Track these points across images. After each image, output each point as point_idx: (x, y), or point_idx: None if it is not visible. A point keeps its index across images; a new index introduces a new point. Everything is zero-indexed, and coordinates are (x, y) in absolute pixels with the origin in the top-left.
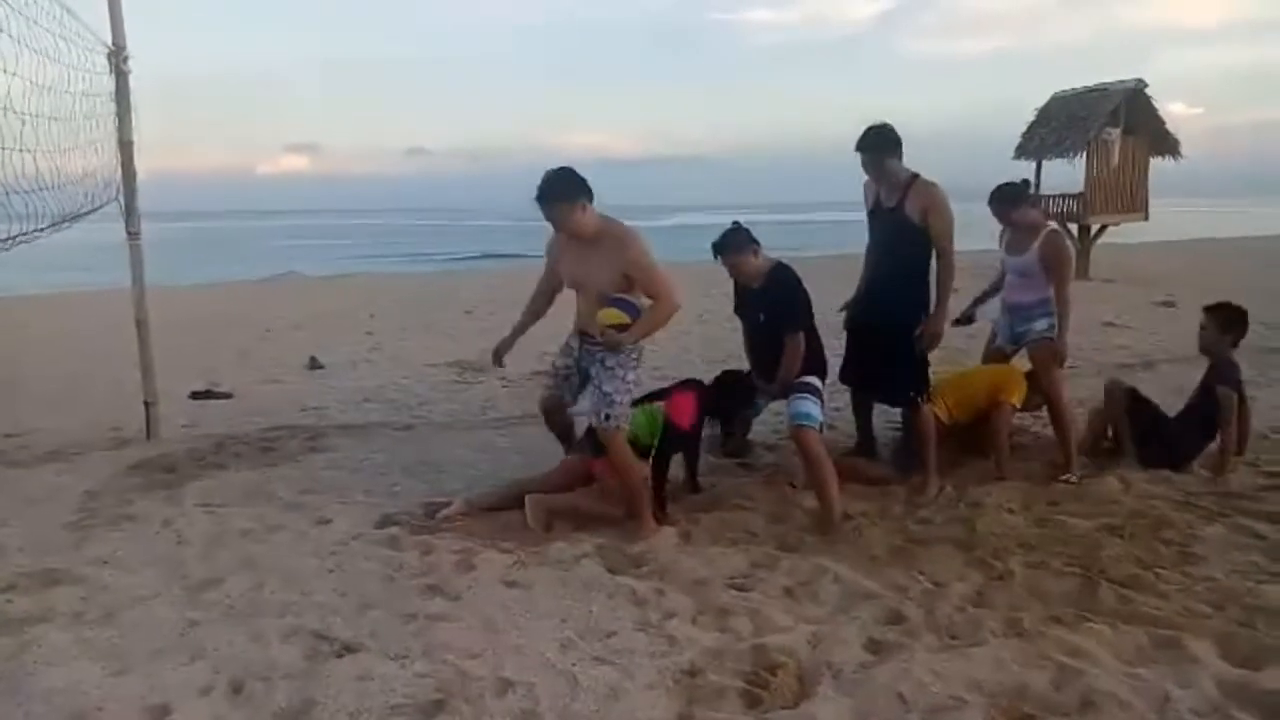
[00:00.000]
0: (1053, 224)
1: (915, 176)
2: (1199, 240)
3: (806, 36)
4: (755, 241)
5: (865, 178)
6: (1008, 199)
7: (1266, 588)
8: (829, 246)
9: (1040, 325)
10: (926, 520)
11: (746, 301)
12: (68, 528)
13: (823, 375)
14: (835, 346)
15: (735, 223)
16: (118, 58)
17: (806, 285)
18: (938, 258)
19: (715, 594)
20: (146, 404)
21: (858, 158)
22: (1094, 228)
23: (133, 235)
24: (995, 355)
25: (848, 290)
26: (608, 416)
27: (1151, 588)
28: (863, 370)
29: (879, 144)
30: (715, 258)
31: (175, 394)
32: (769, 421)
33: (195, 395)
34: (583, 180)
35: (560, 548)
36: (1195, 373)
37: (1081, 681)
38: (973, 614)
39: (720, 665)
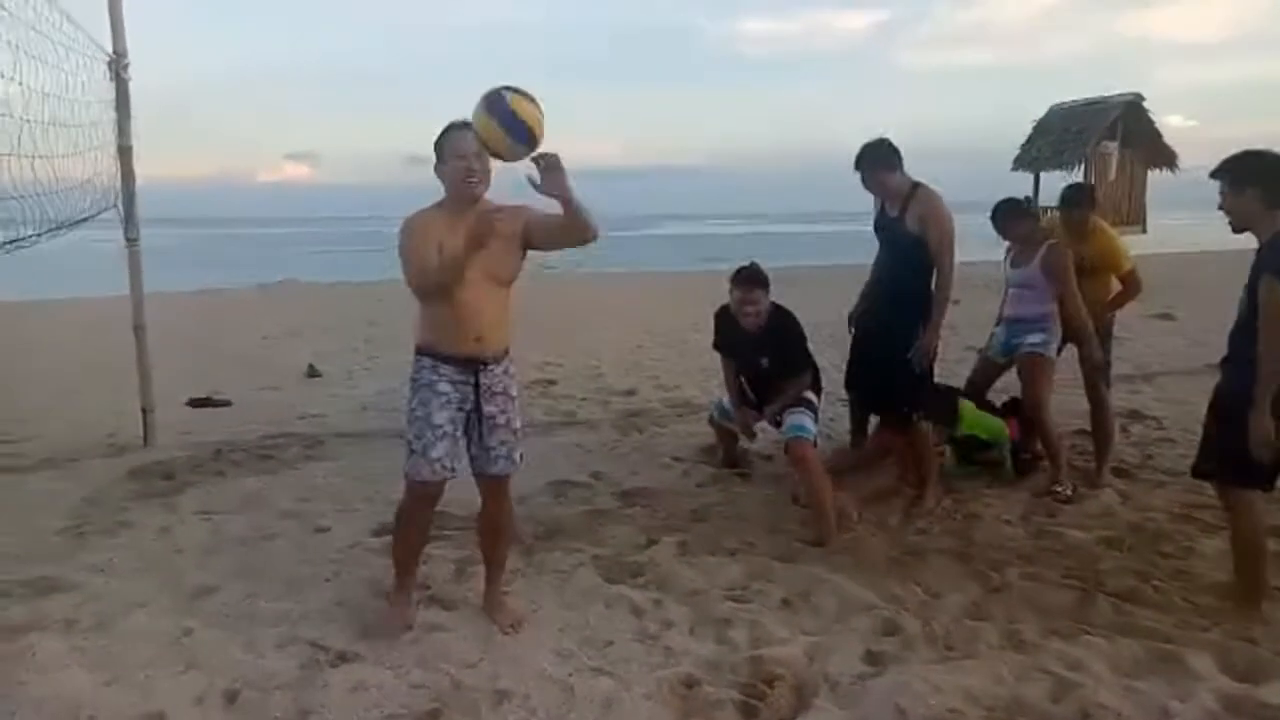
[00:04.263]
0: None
1: (916, 186)
2: (1196, 253)
3: (803, 47)
4: (899, 159)
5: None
6: (1008, 215)
7: (1265, 602)
8: (825, 257)
9: (1034, 338)
10: (924, 531)
11: (741, 344)
12: (63, 534)
13: (819, 392)
14: (834, 356)
15: (752, 263)
16: (118, 64)
17: (802, 295)
18: (936, 268)
19: (713, 605)
20: (144, 410)
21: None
22: None
23: (131, 242)
24: (987, 366)
25: (842, 301)
26: (521, 456)
27: (1150, 600)
28: (864, 378)
29: (872, 159)
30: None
31: (173, 401)
32: (767, 432)
33: (193, 402)
34: None
35: (558, 557)
36: (1194, 385)
37: (1079, 694)
38: (970, 626)
39: (717, 676)
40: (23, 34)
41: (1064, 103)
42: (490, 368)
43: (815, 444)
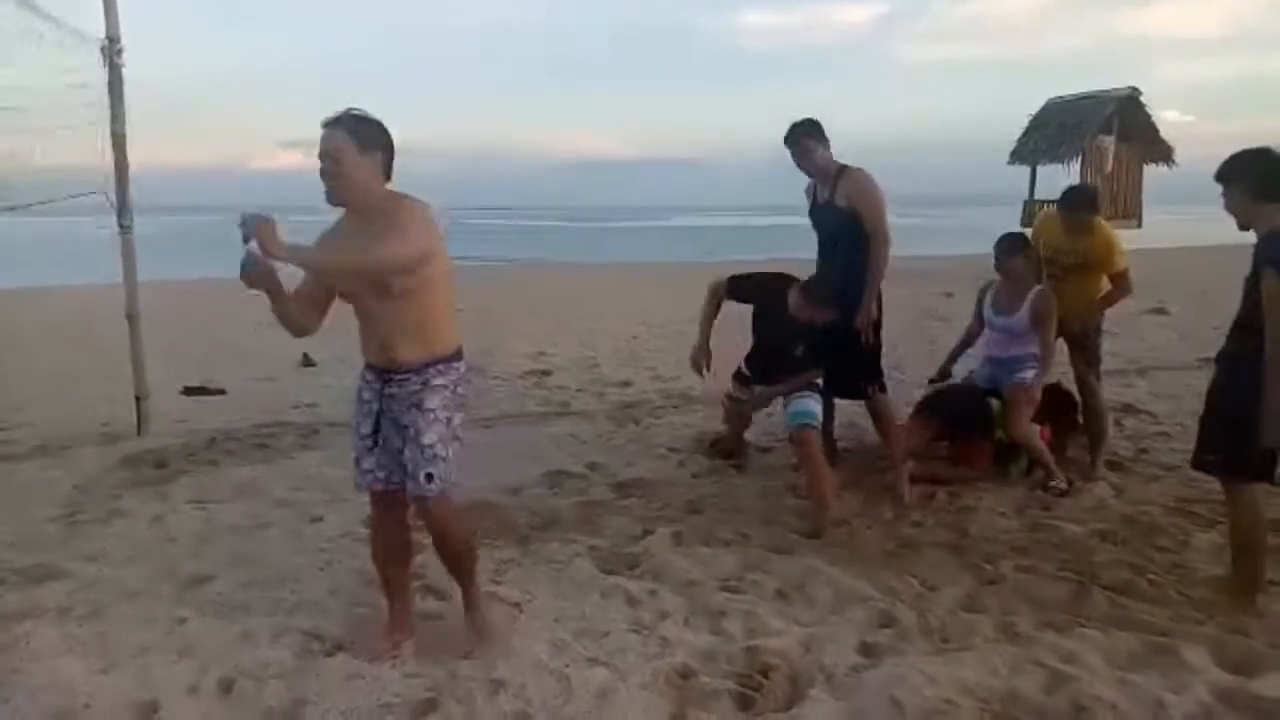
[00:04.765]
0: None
1: (844, 167)
2: (1191, 248)
3: (802, 40)
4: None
5: (807, 181)
6: (1007, 248)
7: (1260, 595)
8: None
9: (1026, 374)
10: (919, 524)
11: (782, 323)
12: (56, 523)
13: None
14: None
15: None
16: (111, 49)
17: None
18: (869, 242)
19: (708, 595)
20: (137, 399)
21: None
22: None
23: (125, 229)
24: None
25: None
26: (430, 477)
27: (1144, 594)
28: (827, 365)
29: (798, 131)
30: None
31: (167, 389)
32: (761, 423)
33: (188, 391)
34: None
35: (553, 548)
36: (1188, 379)
37: (1073, 687)
38: (965, 618)
39: (713, 667)
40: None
41: (1061, 97)
42: (399, 379)
43: (815, 428)
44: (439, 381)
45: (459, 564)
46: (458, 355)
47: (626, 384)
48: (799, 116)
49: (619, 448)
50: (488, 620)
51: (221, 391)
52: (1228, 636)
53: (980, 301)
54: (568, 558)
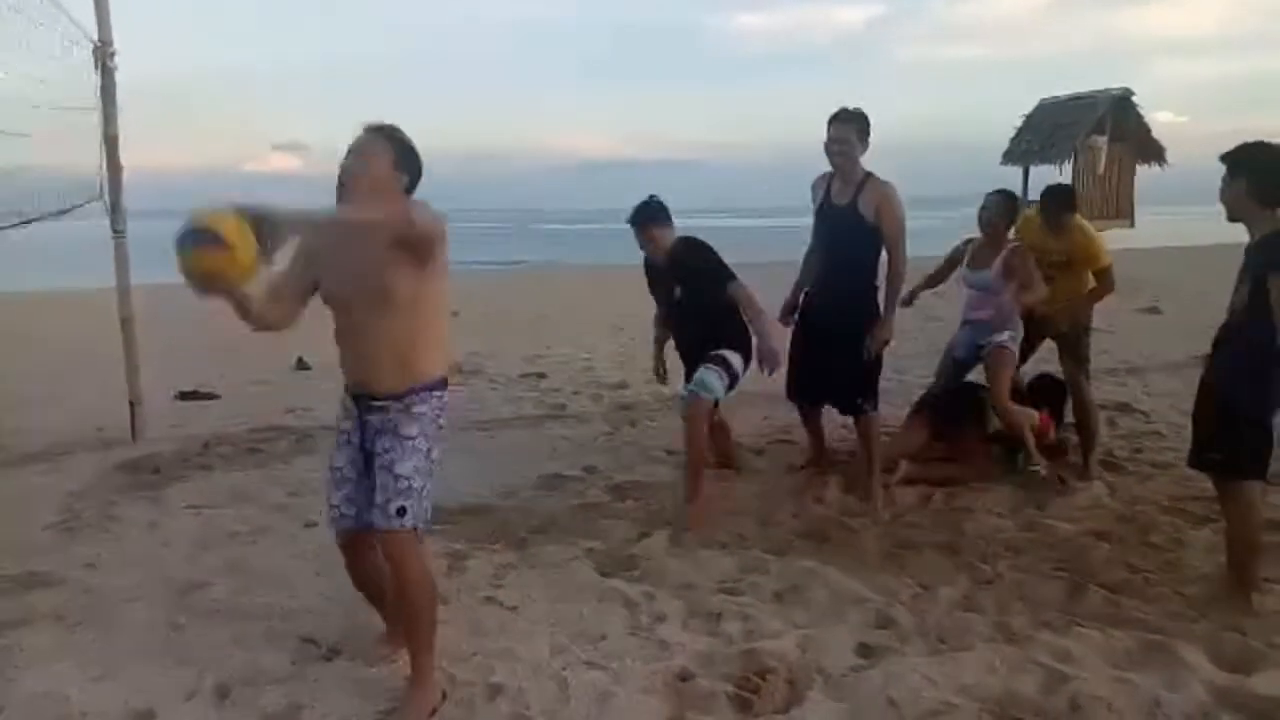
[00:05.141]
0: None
1: (869, 174)
2: (1184, 247)
3: (798, 41)
4: (669, 217)
5: (819, 174)
6: (1004, 209)
7: (1254, 593)
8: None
9: (1002, 336)
10: (915, 524)
11: (658, 282)
12: (51, 529)
13: (746, 357)
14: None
15: (651, 196)
16: (104, 53)
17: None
18: (888, 258)
19: (705, 598)
20: (132, 404)
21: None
22: None
23: (118, 233)
24: (955, 368)
25: None
26: (402, 511)
27: (1140, 592)
28: (814, 379)
29: (861, 123)
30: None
31: (161, 394)
32: (755, 424)
33: (182, 396)
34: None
35: (550, 551)
36: (1181, 378)
37: (1070, 686)
38: (962, 618)
39: (711, 669)
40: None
41: (1053, 97)
42: (378, 405)
43: (717, 405)
44: (420, 409)
45: (415, 620)
46: (442, 384)
47: (622, 386)
48: (798, 116)
49: (615, 450)
50: (425, 699)
51: (216, 396)
52: (1224, 635)
53: (955, 254)
54: (565, 560)
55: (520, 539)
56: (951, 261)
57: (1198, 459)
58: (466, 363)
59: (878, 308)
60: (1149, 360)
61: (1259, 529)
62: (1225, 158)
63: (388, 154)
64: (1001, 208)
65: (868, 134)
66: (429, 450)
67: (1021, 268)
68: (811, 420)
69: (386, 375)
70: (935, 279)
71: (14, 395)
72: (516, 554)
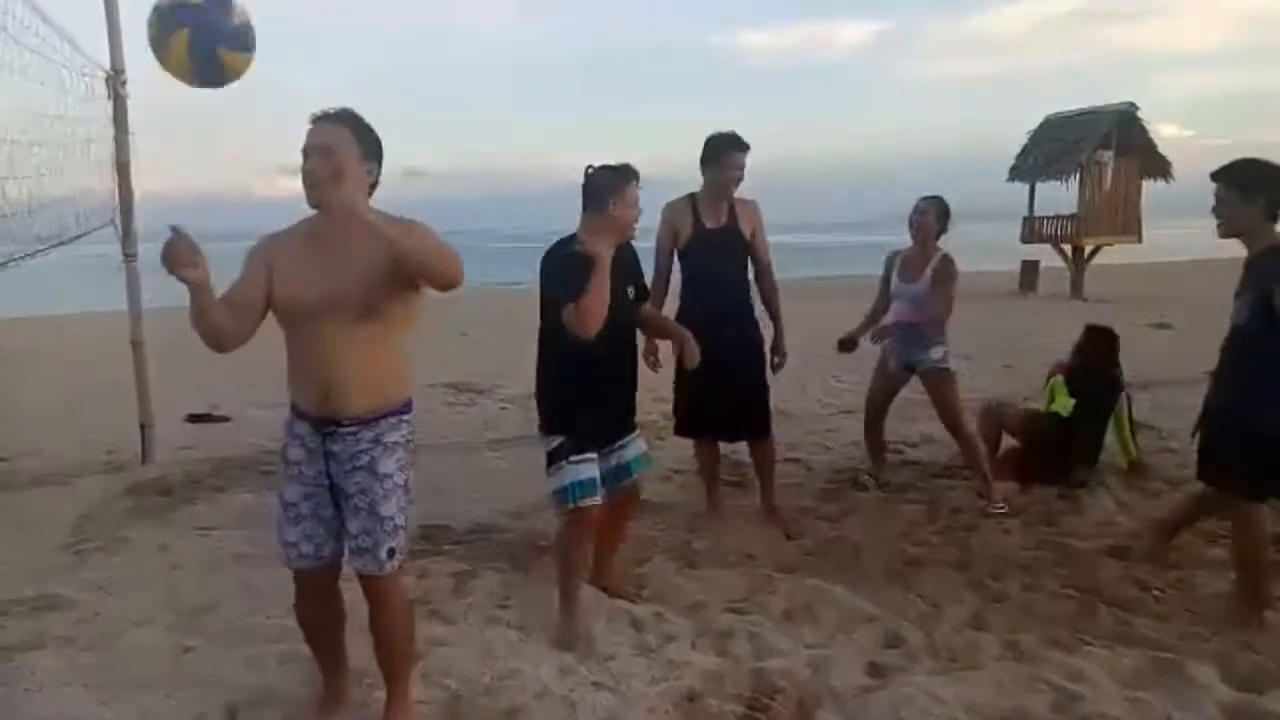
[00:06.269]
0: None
1: (737, 197)
2: (1193, 262)
3: (802, 59)
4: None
5: (669, 202)
6: (937, 210)
7: (1266, 611)
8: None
9: (936, 354)
10: (923, 542)
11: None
12: (61, 552)
13: None
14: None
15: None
16: (116, 80)
17: (797, 307)
18: (762, 275)
19: (714, 617)
20: (142, 427)
21: (756, 174)
22: (1087, 249)
23: (129, 258)
24: (889, 381)
25: (839, 313)
26: (392, 553)
27: (1151, 610)
28: (716, 410)
29: (739, 142)
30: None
31: (172, 417)
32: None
33: (193, 418)
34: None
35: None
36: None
37: (1081, 705)
38: (971, 636)
39: (720, 689)
40: (14, 50)
41: (1059, 113)
42: (344, 432)
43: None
44: (392, 438)
45: (400, 656)
46: (409, 406)
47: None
48: (803, 133)
49: None
50: None
51: (226, 419)
52: (1235, 653)
53: (887, 272)
54: None
55: (528, 558)
56: (887, 282)
57: (1201, 473)
58: (475, 382)
59: (759, 326)
60: (1159, 375)
61: (1264, 544)
62: (1231, 175)
63: (353, 145)
64: (938, 212)
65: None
66: (406, 481)
67: (946, 276)
68: (713, 459)
69: (356, 396)
70: (878, 311)
71: (25, 418)
72: (524, 573)
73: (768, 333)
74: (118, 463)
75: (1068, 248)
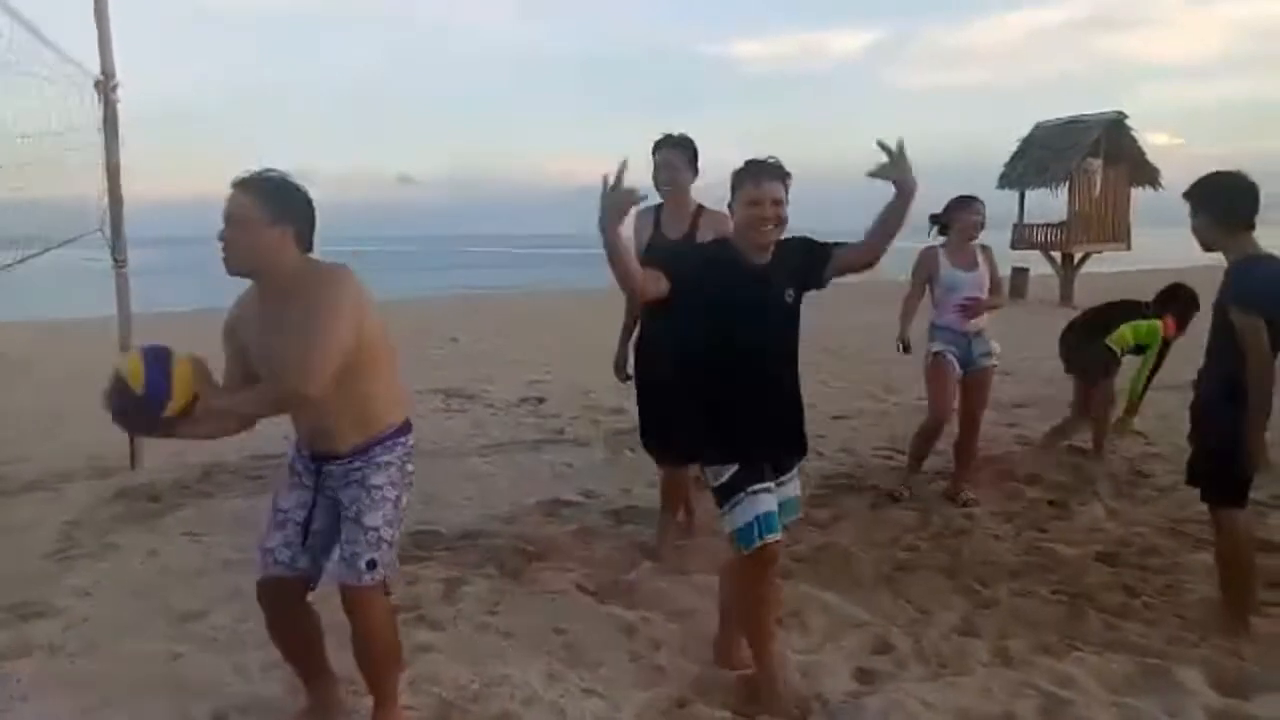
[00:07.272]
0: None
1: (701, 206)
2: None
3: (796, 68)
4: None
5: (639, 209)
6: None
7: (1254, 617)
8: None
9: (989, 350)
10: (913, 547)
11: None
12: (48, 558)
13: None
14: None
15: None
16: (106, 86)
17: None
18: None
19: (703, 623)
20: None
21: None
22: (1076, 256)
23: (119, 264)
24: (955, 388)
25: (841, 316)
26: (372, 564)
27: (1139, 616)
28: (664, 426)
29: (689, 149)
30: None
31: None
32: None
33: None
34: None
35: (548, 576)
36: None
37: (1070, 711)
38: (960, 642)
39: (709, 696)
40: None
41: (1049, 121)
42: (336, 465)
43: None
44: (385, 458)
45: (382, 669)
46: (405, 429)
47: (620, 411)
48: (796, 142)
49: (614, 475)
50: None
51: None
52: (1222, 658)
53: (926, 268)
54: (562, 586)
55: (518, 564)
56: (921, 278)
57: (1189, 478)
58: (465, 388)
59: None
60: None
61: (1248, 551)
62: (1186, 196)
63: (259, 211)
64: (972, 207)
65: (696, 160)
66: (398, 498)
67: (994, 260)
68: (682, 474)
69: (343, 439)
70: (913, 305)
71: (13, 424)
72: (514, 579)
73: None
74: (106, 468)
75: (1057, 255)
